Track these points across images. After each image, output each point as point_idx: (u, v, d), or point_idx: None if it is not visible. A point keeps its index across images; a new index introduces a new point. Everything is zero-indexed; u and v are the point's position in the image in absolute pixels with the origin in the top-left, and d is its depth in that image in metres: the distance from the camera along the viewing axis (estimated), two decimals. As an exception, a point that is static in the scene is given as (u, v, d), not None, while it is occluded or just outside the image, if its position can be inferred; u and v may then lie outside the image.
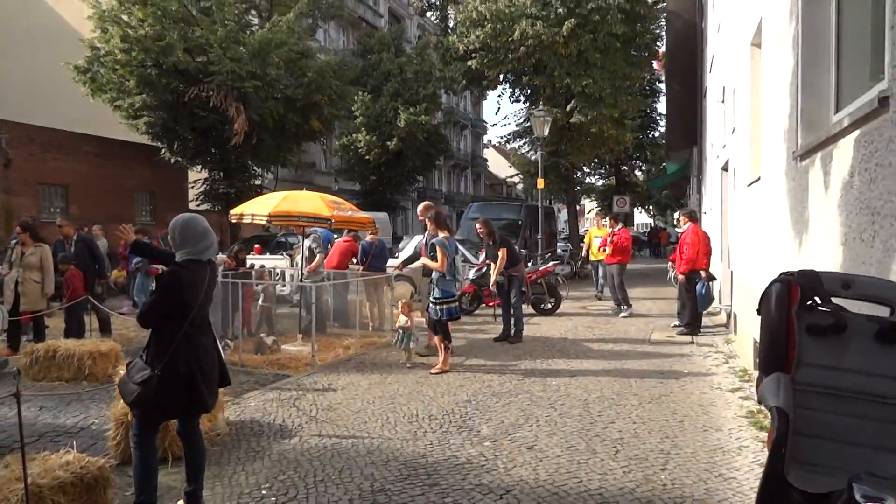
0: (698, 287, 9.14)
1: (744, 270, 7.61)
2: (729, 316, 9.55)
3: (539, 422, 5.12)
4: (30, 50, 24.88)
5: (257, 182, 23.84)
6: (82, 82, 19.88)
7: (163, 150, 21.56)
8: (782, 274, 1.91)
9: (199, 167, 23.32)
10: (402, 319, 7.23)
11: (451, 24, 20.22)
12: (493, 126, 44.29)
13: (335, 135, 28.70)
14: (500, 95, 20.73)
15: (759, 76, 6.42)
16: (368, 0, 40.70)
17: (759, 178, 5.82)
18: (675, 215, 10.42)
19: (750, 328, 7.17)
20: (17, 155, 18.36)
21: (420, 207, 8.08)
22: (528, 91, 20.12)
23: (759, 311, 1.96)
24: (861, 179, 2.64)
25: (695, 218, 9.50)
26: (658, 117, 33.90)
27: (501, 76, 19.70)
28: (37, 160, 19.27)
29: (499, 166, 62.69)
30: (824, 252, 3.33)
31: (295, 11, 20.58)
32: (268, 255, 14.57)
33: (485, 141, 64.62)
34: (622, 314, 11.28)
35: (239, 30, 19.56)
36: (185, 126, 20.31)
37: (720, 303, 10.48)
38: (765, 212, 5.55)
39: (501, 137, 26.44)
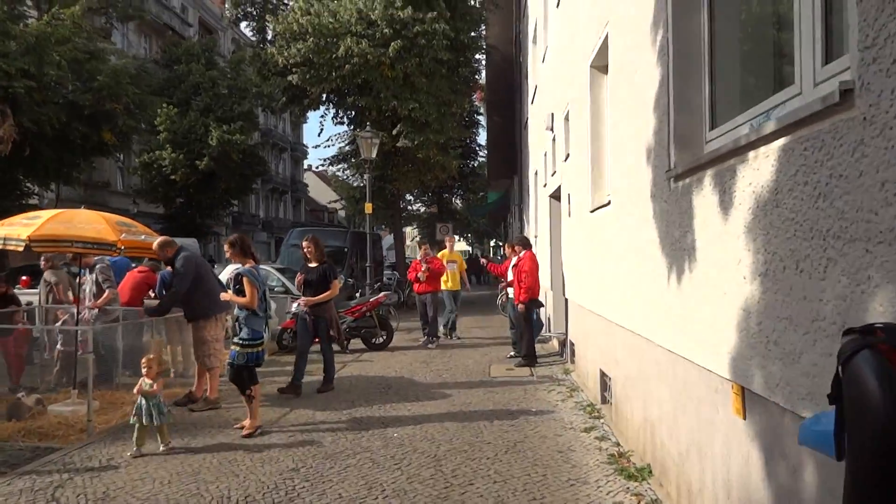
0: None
1: (582, 297, 7.43)
2: (563, 344, 9.45)
3: (385, 491, 4.21)
4: None
5: (32, 202, 20.17)
6: None
7: None
8: (857, 333, 1.11)
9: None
10: (146, 383, 5.09)
11: (270, 35, 18.87)
12: (315, 147, 42.98)
13: (133, 151, 25.41)
14: (322, 116, 19.62)
15: (602, 98, 6.26)
16: (176, 7, 37.49)
17: (607, 203, 5.55)
18: (504, 244, 10.31)
19: (588, 355, 6.95)
20: None
21: (156, 244, 6.63)
22: (353, 113, 19.38)
23: (832, 400, 1.15)
24: (796, 196, 2.16)
25: (529, 245, 9.32)
26: (478, 147, 35.10)
27: (324, 95, 18.75)
28: None
29: (320, 192, 61.08)
30: (722, 283, 2.88)
31: (81, 5, 17.83)
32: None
33: (305, 165, 62.71)
34: (430, 346, 10.86)
35: (7, 19, 16.42)
36: (-71, 131, 16.48)
37: (550, 330, 10.42)
38: (615, 238, 5.25)
39: (325, 160, 25.34)
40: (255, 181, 34.14)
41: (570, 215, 8.09)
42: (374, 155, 13.97)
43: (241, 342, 5.54)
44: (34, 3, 19.39)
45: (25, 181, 19.76)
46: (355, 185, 25.86)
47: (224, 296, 5.93)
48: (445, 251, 11.90)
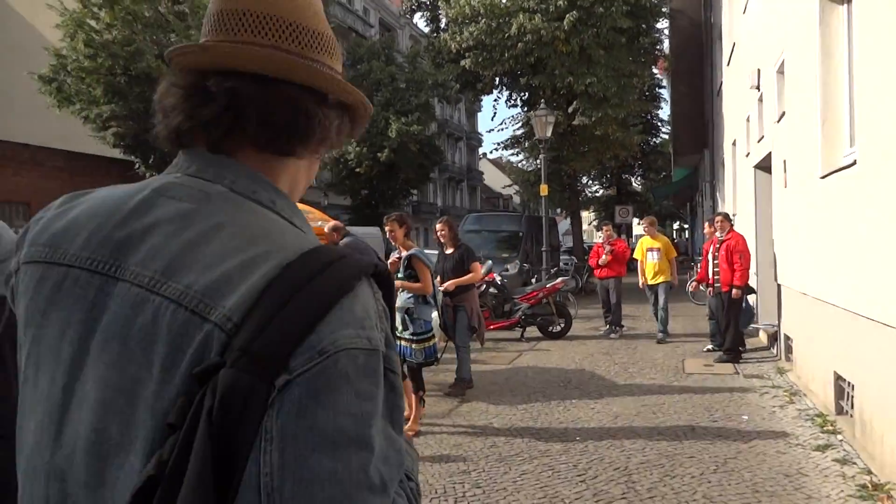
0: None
1: (804, 283, 6.14)
2: (773, 338, 8.06)
3: (568, 508, 3.62)
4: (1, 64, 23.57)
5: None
6: (48, 93, 18.50)
7: (137, 164, 20.11)
8: None
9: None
10: None
11: (443, 23, 18.89)
12: (489, 132, 42.91)
13: None
14: (495, 100, 19.29)
15: (836, 35, 5.00)
16: (358, 10, 39.64)
17: (850, 164, 4.37)
18: (707, 223, 8.71)
19: (814, 353, 5.70)
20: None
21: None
22: (526, 94, 18.75)
23: None
24: None
25: (731, 223, 8.05)
26: (660, 123, 32.65)
27: (497, 78, 18.37)
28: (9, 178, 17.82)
29: (495, 179, 61.43)
30: None
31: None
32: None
33: (480, 153, 63.46)
34: (612, 335, 9.89)
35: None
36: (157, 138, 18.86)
37: (758, 322, 8.97)
38: (868, 206, 4.09)
39: (498, 144, 25.09)
40: (433, 170, 34.96)
41: (786, 185, 6.76)
42: (548, 134, 13.27)
43: (414, 337, 5.00)
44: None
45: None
46: (529, 168, 25.24)
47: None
48: (646, 237, 9.86)
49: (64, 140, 20.94)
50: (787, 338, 7.19)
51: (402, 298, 5.01)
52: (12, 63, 20.00)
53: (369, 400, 0.63)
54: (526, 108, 19.31)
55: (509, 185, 32.67)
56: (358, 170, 28.82)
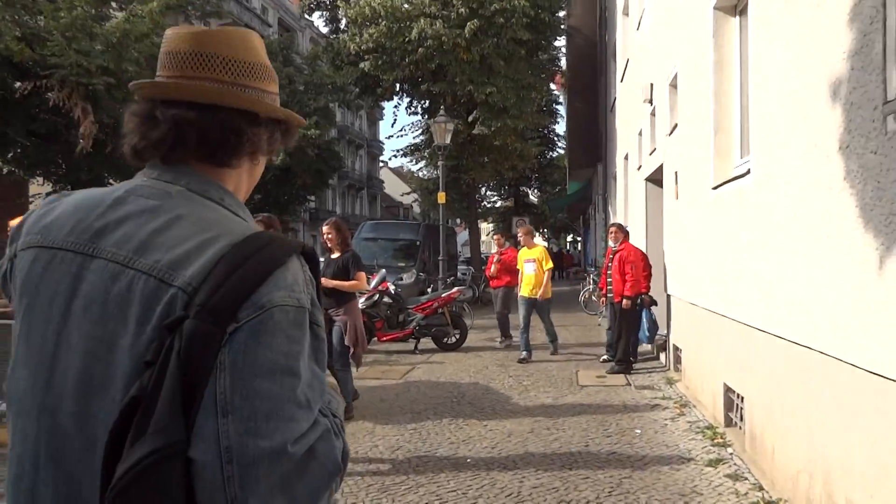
0: (644, 316, 7.71)
1: (694, 293, 6.17)
2: (662, 348, 8.17)
3: (455, 546, 3.22)
4: None
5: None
6: None
7: (-5, 163, 17.96)
8: None
9: (41, 179, 19.75)
10: None
11: (343, 24, 18.34)
12: (388, 138, 42.29)
13: None
14: (396, 106, 18.96)
15: (729, 47, 5.01)
16: (256, 8, 38.13)
17: (744, 174, 4.33)
18: (606, 233, 8.75)
19: (703, 364, 5.70)
20: None
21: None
22: (427, 102, 18.54)
23: None
24: None
25: (626, 233, 8.09)
26: (556, 138, 33.64)
27: (397, 84, 18.04)
28: None
29: (395, 188, 61.02)
30: None
31: (159, 2, 17.86)
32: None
33: (381, 162, 62.94)
34: (500, 344, 9.90)
35: (89, 18, 16.59)
36: (18, 129, 16.90)
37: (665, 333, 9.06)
38: (760, 215, 4.03)
39: (397, 151, 24.75)
40: (332, 177, 34.05)
41: (677, 197, 6.83)
42: (447, 141, 13.06)
43: None
44: (118, 4, 19.64)
45: (109, 178, 20.10)
46: (428, 177, 25.07)
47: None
48: (523, 248, 9.26)
49: None
50: (677, 348, 7.25)
51: None
52: None
53: (297, 343, 0.84)
54: (426, 116, 19.10)
55: (408, 193, 32.37)
56: (250, 174, 27.51)
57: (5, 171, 18.06)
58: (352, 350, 5.52)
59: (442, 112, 13.63)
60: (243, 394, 0.78)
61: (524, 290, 8.98)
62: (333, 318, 5.56)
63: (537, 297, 8.89)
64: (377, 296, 9.38)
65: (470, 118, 16.46)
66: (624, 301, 7.54)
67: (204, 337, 0.78)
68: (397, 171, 62.34)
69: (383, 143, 60.90)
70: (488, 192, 34.29)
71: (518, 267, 9.32)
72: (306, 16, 32.13)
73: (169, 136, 0.95)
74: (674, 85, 7.13)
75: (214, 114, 0.96)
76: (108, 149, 18.21)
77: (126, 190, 0.96)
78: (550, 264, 9.09)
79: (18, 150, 18.29)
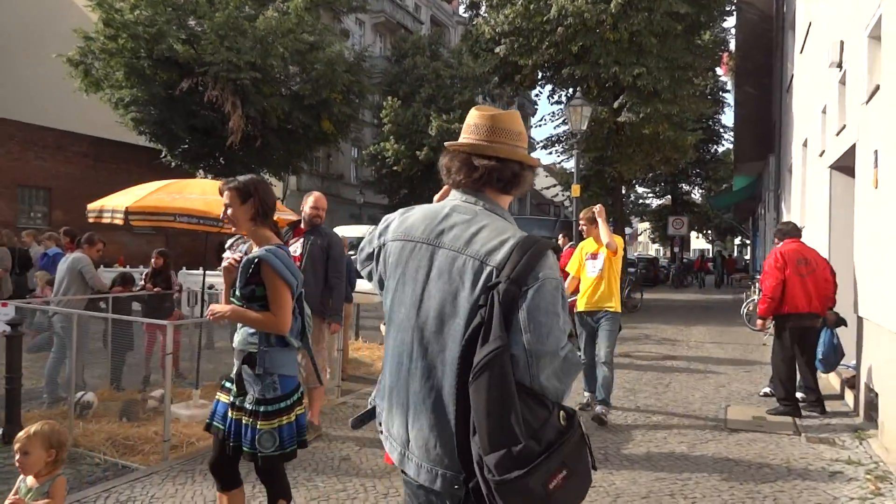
0: (823, 337, 5.92)
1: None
2: (851, 386, 6.26)
3: None
4: (30, 45, 23.45)
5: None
6: (75, 76, 18.00)
7: (163, 153, 19.46)
8: None
9: (202, 173, 21.17)
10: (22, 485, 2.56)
11: (483, 8, 17.48)
12: (538, 126, 40.79)
13: (349, 139, 26.09)
14: (536, 95, 17.74)
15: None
16: (409, 6, 38.58)
17: None
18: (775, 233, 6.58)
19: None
20: (-8, 153, 16.48)
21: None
22: (571, 89, 17.11)
23: None
24: None
25: (794, 233, 6.26)
26: (722, 130, 30.30)
27: (539, 73, 16.80)
28: (16, 159, 17.39)
29: (548, 185, 59.32)
30: None
31: (304, -2, 18.23)
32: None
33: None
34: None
35: (240, 16, 17.31)
36: (179, 124, 18.11)
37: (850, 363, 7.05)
38: None
39: (538, 142, 23.44)
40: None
41: (876, 186, 5.04)
42: (583, 127, 11.65)
43: (259, 408, 2.65)
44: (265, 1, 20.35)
45: (260, 171, 21.01)
46: (572, 171, 23.50)
47: (217, 308, 2.74)
48: (588, 239, 5.91)
49: (90, 125, 20.53)
50: (871, 390, 5.42)
51: (240, 335, 2.76)
52: (44, 45, 19.70)
53: (558, 301, 1.47)
54: (569, 103, 17.68)
55: (551, 187, 30.90)
56: (395, 168, 27.69)
57: (173, 164, 19.46)
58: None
59: (578, 95, 12.23)
60: (533, 322, 1.43)
61: (582, 303, 5.75)
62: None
63: (607, 309, 5.61)
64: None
65: (616, 104, 14.82)
66: (758, 321, 5.92)
67: (511, 293, 1.44)
68: (549, 168, 60.69)
69: (535, 140, 59.60)
70: (642, 189, 31.80)
71: (570, 269, 5.98)
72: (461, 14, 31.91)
73: (483, 175, 1.64)
74: (875, 36, 5.31)
75: (506, 163, 1.65)
76: (258, 143, 19.09)
77: (450, 207, 1.66)
78: (620, 255, 5.68)
79: (185, 146, 19.67)
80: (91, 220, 5.45)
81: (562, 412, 1.43)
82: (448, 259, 1.55)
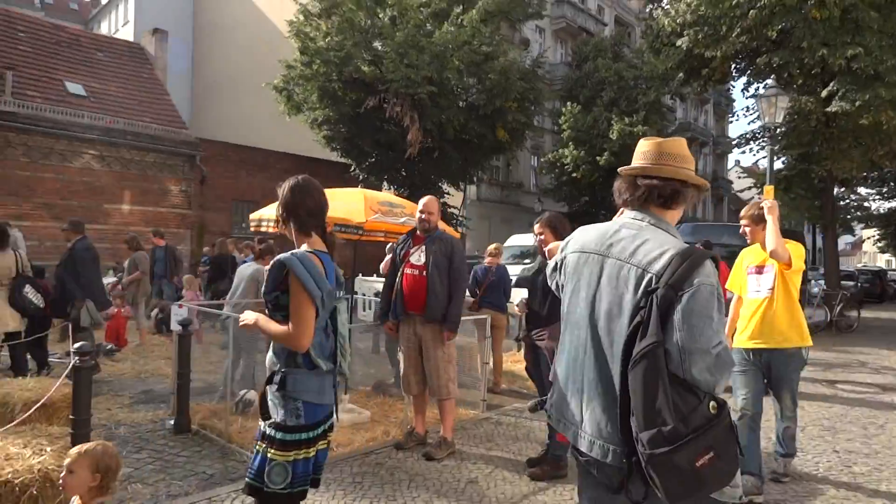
0: None
1: None
2: None
3: None
4: (247, 78, 26.70)
5: (442, 200, 22.05)
6: (280, 102, 20.12)
7: (352, 167, 20.96)
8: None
9: (387, 184, 22.41)
10: None
11: (664, 0, 16.30)
12: (732, 121, 36.60)
13: (525, 147, 25.80)
14: (728, 89, 16.10)
15: None
16: (591, 9, 37.57)
17: None
18: None
19: None
20: (211, 172, 18.96)
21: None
22: (769, 79, 15.24)
23: None
24: None
25: None
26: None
27: (729, 62, 15.19)
28: (231, 176, 19.82)
29: (746, 189, 54.05)
30: None
31: (479, 9, 18.46)
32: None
33: (731, 161, 56.57)
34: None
35: (419, 34, 18.03)
36: (366, 139, 19.35)
37: None
38: None
39: (730, 140, 21.29)
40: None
41: None
42: (779, 119, 10.19)
43: (276, 434, 2.32)
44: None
45: (438, 182, 21.68)
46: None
47: (244, 316, 2.46)
48: (751, 247, 4.26)
49: (293, 145, 22.79)
50: None
51: (270, 350, 2.45)
52: (257, 77, 22.30)
53: (711, 303, 1.66)
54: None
55: (749, 188, 27.89)
56: (575, 174, 26.95)
57: (361, 177, 20.86)
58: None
59: (772, 84, 10.74)
60: (686, 323, 1.63)
61: (741, 339, 4.09)
62: (536, 342, 4.25)
63: (782, 347, 3.95)
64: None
65: (824, 92, 12.87)
66: None
67: (668, 297, 1.67)
68: (750, 169, 55.22)
69: (732, 140, 54.61)
70: (865, 190, 27.47)
71: (730, 287, 4.36)
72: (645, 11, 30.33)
73: (644, 194, 1.92)
74: None
75: (668, 182, 1.90)
76: (436, 154, 19.71)
77: (620, 224, 1.94)
78: (799, 269, 3.99)
79: (372, 160, 21.01)
80: (252, 229, 5.88)
81: (712, 402, 1.63)
82: (616, 267, 1.83)
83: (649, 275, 1.71)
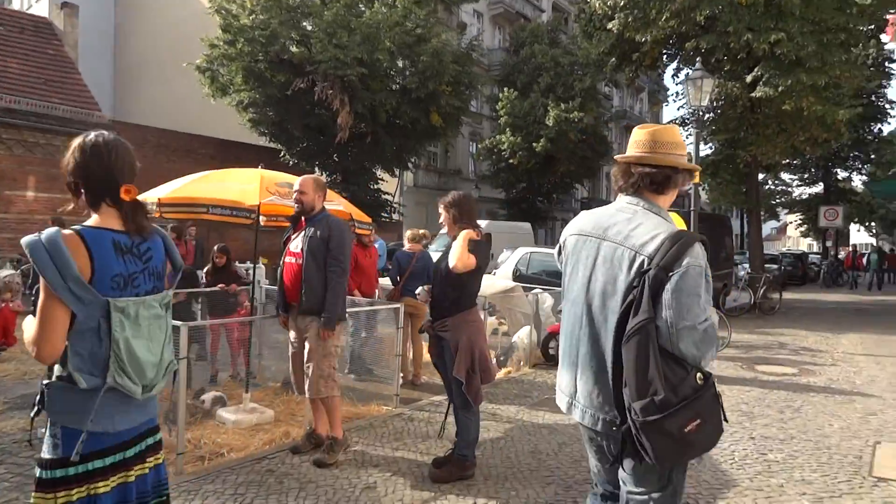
0: None
1: None
2: None
3: None
4: (167, 59, 25.33)
5: (375, 186, 21.52)
6: (204, 83, 19.09)
7: (282, 153, 20.15)
8: None
9: (318, 170, 21.68)
10: None
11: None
12: (666, 105, 37.71)
13: (461, 133, 25.52)
14: (659, 75, 16.20)
15: None
16: (529, -6, 37.43)
17: None
18: None
19: None
20: (128, 156, 17.80)
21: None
22: (697, 65, 15.39)
23: None
24: None
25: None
26: (889, 106, 26.34)
27: (658, 47, 15.23)
28: (150, 162, 18.70)
29: (680, 176, 55.43)
30: None
31: (410, -12, 17.94)
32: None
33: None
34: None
35: (349, 13, 17.36)
36: (295, 124, 18.60)
37: None
38: None
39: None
40: (600, 163, 31.83)
41: None
42: (704, 102, 10.19)
43: (38, 471, 1.77)
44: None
45: (371, 168, 21.13)
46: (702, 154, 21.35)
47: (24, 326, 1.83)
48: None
49: (218, 130, 21.75)
50: None
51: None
52: (179, 58, 21.11)
53: (699, 283, 1.79)
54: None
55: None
56: (512, 161, 26.85)
57: (291, 163, 20.07)
58: (464, 382, 3.77)
59: (698, 67, 10.74)
60: (675, 301, 1.74)
61: None
62: (439, 334, 3.90)
63: None
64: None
65: (750, 77, 13.04)
66: None
67: (659, 277, 1.77)
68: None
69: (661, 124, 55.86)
70: (788, 176, 28.49)
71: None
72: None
73: (637, 181, 2.04)
74: None
75: (660, 169, 2.01)
76: (368, 139, 19.15)
77: (616, 208, 2.06)
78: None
79: (303, 145, 20.25)
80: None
81: (699, 374, 1.78)
82: (610, 249, 1.95)
83: (642, 257, 1.85)
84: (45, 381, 1.79)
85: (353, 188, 19.97)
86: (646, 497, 1.89)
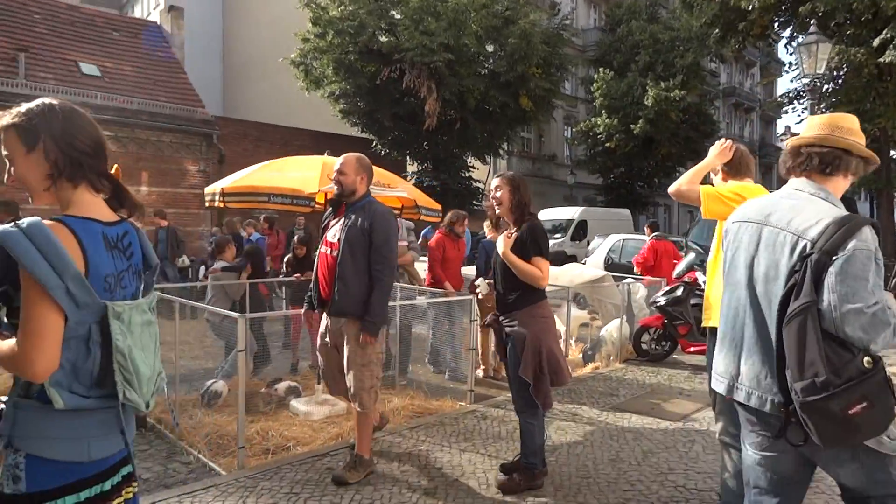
0: None
1: None
2: None
3: None
4: (268, 57, 26.23)
5: (467, 174, 21.30)
6: (298, 77, 19.63)
7: (374, 142, 20.38)
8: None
9: (409, 159, 21.77)
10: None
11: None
12: (780, 79, 34.73)
13: (553, 117, 24.64)
14: (770, 45, 14.83)
15: None
16: (627, -31, 35.70)
17: None
18: None
19: None
20: (229, 151, 18.63)
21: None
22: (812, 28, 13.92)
23: None
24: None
25: None
26: None
27: (770, 15, 13.91)
28: (249, 155, 19.46)
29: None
30: None
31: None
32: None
33: (781, 127, 53.74)
34: None
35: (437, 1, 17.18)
36: (384, 112, 18.71)
37: None
38: None
39: (773, 101, 19.89)
40: (705, 144, 29.89)
41: None
42: (820, 70, 9.10)
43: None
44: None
45: (462, 155, 20.93)
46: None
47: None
48: None
49: (313, 122, 22.32)
50: None
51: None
52: (279, 51, 21.82)
53: (867, 266, 1.75)
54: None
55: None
56: (608, 144, 25.72)
57: (382, 153, 20.27)
58: (531, 384, 3.42)
59: (813, 31, 9.61)
60: (840, 284, 1.74)
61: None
62: (506, 328, 3.56)
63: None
64: (681, 289, 6.77)
65: (877, 41, 11.60)
66: None
67: (821, 262, 1.79)
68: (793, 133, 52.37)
69: (774, 101, 51.84)
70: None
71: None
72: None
73: (805, 160, 2.05)
74: None
75: (832, 150, 2.01)
76: (457, 125, 18.94)
77: (780, 196, 2.07)
78: None
79: (394, 134, 20.38)
80: (207, 205, 5.32)
81: (867, 357, 1.79)
82: (773, 234, 1.99)
83: (804, 241, 1.86)
84: (3, 398, 1.51)
85: (443, 176, 19.89)
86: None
